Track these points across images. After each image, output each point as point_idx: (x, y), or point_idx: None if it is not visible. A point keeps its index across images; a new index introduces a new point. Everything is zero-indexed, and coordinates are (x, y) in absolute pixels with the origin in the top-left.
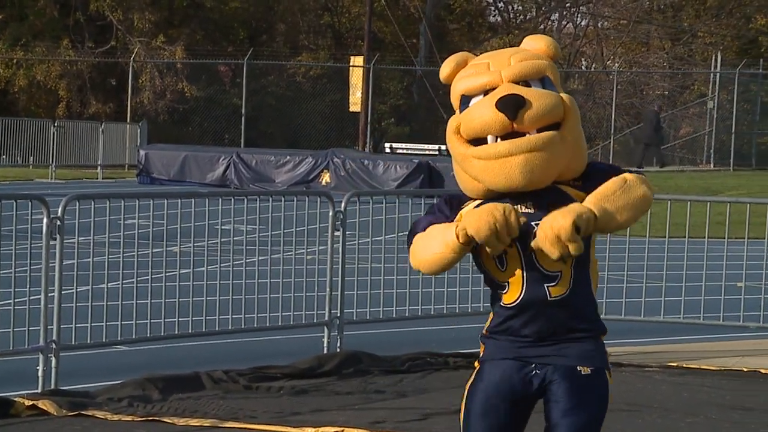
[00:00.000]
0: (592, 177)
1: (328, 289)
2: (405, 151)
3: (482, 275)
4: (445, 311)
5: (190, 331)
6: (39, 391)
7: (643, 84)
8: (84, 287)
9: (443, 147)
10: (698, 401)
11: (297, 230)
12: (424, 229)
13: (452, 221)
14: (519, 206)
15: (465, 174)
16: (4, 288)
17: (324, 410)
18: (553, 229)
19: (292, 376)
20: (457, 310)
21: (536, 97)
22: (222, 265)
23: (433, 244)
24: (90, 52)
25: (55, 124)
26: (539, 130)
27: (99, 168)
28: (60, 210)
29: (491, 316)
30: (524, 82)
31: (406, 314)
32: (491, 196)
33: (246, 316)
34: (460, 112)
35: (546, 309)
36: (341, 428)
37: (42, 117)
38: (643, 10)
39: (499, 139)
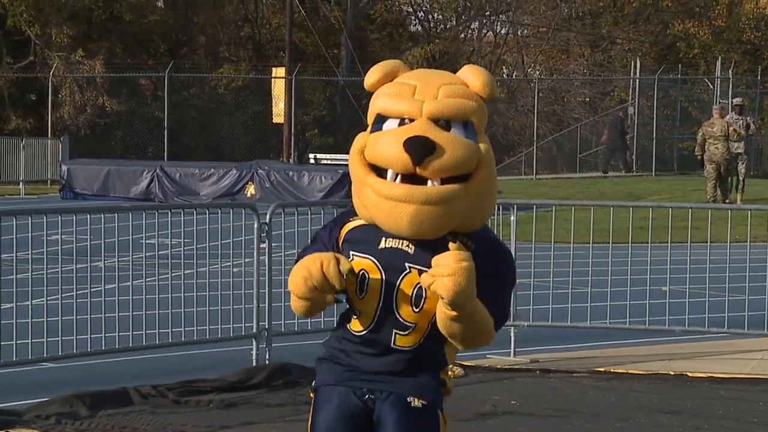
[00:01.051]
0: (483, 246)
1: (255, 302)
2: (329, 162)
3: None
4: None
5: (117, 346)
6: None
7: (564, 91)
8: (8, 304)
9: None
10: (626, 406)
11: (222, 243)
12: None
13: (334, 238)
14: (401, 242)
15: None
16: None
17: (254, 423)
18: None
19: (221, 389)
20: None
21: (450, 145)
22: (147, 279)
23: (292, 285)
24: (8, 68)
25: None
26: (445, 180)
27: (21, 184)
28: None
29: (333, 332)
30: (446, 121)
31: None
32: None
33: (173, 330)
34: (372, 129)
35: (388, 353)
36: None
37: None
38: (562, 18)
39: (399, 177)
